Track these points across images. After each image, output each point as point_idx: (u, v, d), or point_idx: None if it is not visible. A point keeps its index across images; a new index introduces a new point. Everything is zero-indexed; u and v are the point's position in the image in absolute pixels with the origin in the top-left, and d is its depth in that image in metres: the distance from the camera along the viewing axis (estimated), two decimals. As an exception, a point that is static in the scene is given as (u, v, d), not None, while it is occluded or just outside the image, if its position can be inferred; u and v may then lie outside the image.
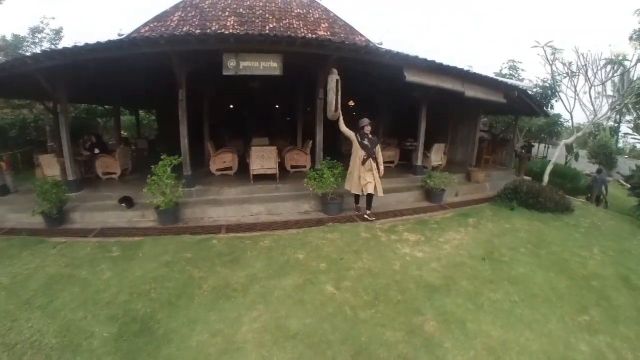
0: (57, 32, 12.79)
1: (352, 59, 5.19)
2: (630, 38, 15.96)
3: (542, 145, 16.41)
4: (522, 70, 12.35)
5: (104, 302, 3.02)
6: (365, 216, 5.30)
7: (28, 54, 7.48)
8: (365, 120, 5.20)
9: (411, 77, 5.33)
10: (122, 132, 12.13)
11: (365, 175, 5.17)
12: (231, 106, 11.39)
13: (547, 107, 9.78)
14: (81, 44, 4.83)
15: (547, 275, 3.83)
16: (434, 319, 2.77)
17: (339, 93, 4.74)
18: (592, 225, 6.18)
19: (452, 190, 6.84)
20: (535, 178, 9.54)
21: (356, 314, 2.78)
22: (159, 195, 4.79)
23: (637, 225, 6.82)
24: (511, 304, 3.15)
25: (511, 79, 11.41)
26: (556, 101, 10.13)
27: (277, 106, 11.97)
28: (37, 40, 12.86)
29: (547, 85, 8.60)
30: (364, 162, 5.15)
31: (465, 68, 6.65)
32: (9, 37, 13.06)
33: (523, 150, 12.01)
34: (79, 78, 5.85)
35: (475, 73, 6.10)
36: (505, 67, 12.63)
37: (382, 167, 5.37)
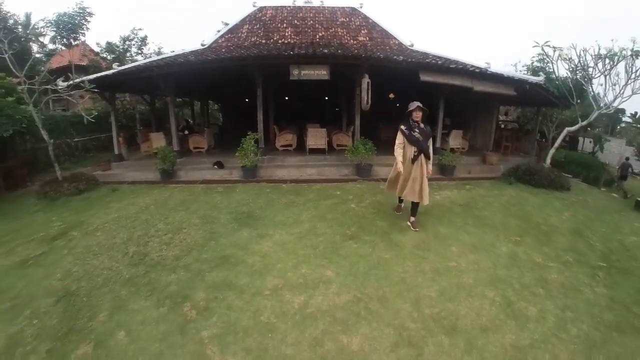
0: (143, 40, 16.49)
1: (379, 65, 7.48)
2: None
3: (586, 139, 16.93)
4: (559, 60, 13.32)
5: (222, 207, 5.74)
6: (409, 223, 4.90)
7: (144, 60, 10.68)
8: (414, 104, 4.51)
9: (425, 77, 7.48)
10: (189, 120, 15.54)
11: (416, 176, 4.60)
12: (286, 98, 14.22)
13: (581, 100, 10.81)
14: (186, 53, 7.70)
15: (505, 218, 5.58)
16: (408, 221, 5.03)
17: (369, 92, 7.09)
18: (580, 200, 7.65)
19: (465, 168, 8.75)
20: (557, 166, 10.94)
21: (364, 214, 5.27)
22: (245, 158, 7.51)
23: (632, 207, 8.10)
24: (464, 224, 5.19)
25: (541, 72, 12.72)
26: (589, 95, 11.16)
27: (326, 98, 14.63)
28: (126, 47, 16.63)
29: (577, 78, 9.85)
30: (414, 159, 4.56)
31: (483, 66, 8.57)
32: (103, 44, 17.00)
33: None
34: (180, 78, 8.80)
35: (481, 71, 7.99)
36: (536, 60, 13.83)
37: (430, 166, 4.73)
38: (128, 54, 16.38)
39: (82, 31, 16.28)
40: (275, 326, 2.87)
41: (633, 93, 8.87)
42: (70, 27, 15.64)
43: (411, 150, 4.58)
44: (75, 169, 10.16)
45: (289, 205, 5.75)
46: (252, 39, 10.24)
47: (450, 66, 7.59)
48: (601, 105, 8.70)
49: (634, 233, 5.95)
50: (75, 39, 16.51)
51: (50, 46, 17.62)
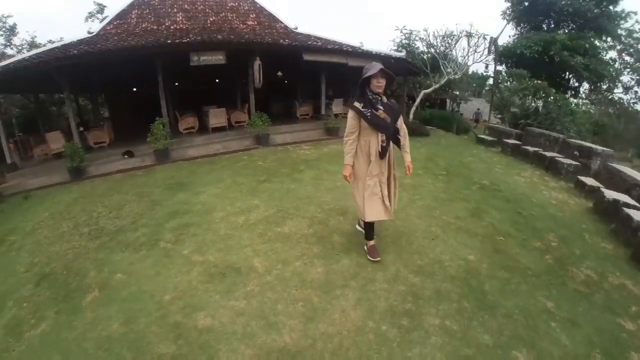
0: (12, 29, 14.95)
1: (269, 49, 9.27)
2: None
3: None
4: (418, 40, 17.21)
5: (150, 185, 6.84)
6: (368, 256, 3.59)
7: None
8: (375, 66, 3.12)
9: (307, 57, 9.57)
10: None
11: (383, 179, 3.37)
12: (176, 84, 14.84)
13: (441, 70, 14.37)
14: (75, 42, 8.32)
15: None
16: (304, 166, 7.20)
17: (261, 72, 8.86)
18: (435, 141, 10.96)
19: None
20: (424, 122, 14.48)
21: (270, 167, 7.31)
22: (157, 142, 8.56)
23: (475, 142, 11.77)
24: None
25: (407, 47, 16.29)
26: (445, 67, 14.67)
27: (217, 81, 15.71)
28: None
29: (438, 52, 13.14)
30: (382, 152, 3.23)
31: (357, 45, 11.10)
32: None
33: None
34: (75, 71, 9.15)
35: (354, 50, 10.49)
36: (403, 38, 17.49)
37: (409, 157, 3.51)
38: None
39: None
40: (232, 234, 4.47)
41: (474, 62, 12.63)
42: None
43: (377, 140, 3.20)
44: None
45: (209, 171, 7.37)
46: (143, 25, 10.86)
47: (328, 47, 9.83)
48: (449, 72, 12.21)
49: (471, 155, 9.21)
50: None
51: None
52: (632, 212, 4.66)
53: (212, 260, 3.85)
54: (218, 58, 8.94)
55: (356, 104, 3.22)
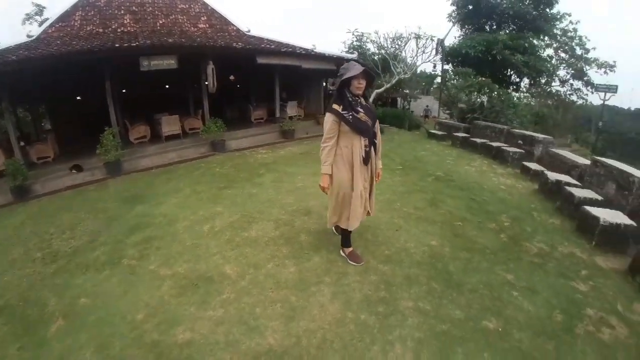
0: None
1: (222, 53, 9.12)
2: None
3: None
4: (369, 42, 17.78)
5: (105, 199, 6.45)
6: (344, 255, 3.62)
7: None
8: (356, 67, 2.94)
9: (261, 60, 9.57)
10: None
11: (366, 185, 3.28)
12: (124, 91, 14.09)
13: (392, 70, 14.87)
14: (13, 47, 7.73)
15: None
16: (263, 170, 7.21)
17: (214, 76, 8.72)
18: (389, 138, 11.27)
19: (303, 130, 11.48)
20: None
21: (228, 173, 7.25)
22: (107, 154, 8.08)
23: (426, 137, 12.36)
24: (304, 164, 7.60)
25: (358, 49, 16.75)
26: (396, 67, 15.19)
27: (167, 86, 15.12)
28: None
29: (388, 54, 13.62)
30: (367, 158, 3.11)
31: (310, 47, 11.21)
32: None
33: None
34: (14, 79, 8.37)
35: (307, 52, 10.61)
36: (354, 40, 17.97)
37: (380, 164, 3.43)
38: None
39: None
40: (199, 244, 4.35)
41: (422, 62, 13.25)
42: None
43: (359, 145, 3.06)
44: None
45: (166, 181, 7.15)
46: (88, 28, 10.18)
47: (282, 49, 9.87)
48: (400, 72, 12.73)
49: (424, 150, 9.73)
50: None
51: None
52: (574, 190, 5.21)
53: (182, 272, 3.73)
54: (169, 62, 8.65)
55: (335, 106, 3.02)
